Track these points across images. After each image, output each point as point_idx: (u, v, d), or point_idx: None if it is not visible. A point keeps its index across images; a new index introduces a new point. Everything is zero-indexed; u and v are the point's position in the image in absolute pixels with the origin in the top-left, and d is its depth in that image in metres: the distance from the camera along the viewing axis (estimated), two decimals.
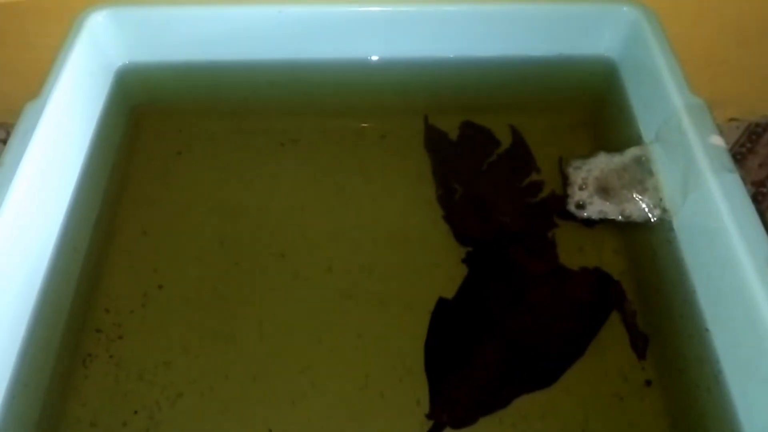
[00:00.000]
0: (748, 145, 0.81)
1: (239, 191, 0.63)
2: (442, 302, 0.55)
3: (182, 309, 0.53)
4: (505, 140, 0.66)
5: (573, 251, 0.58)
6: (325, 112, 0.70)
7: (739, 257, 0.44)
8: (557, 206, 0.62)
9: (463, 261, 0.58)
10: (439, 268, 0.57)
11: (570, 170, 0.62)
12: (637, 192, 0.59)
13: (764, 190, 0.75)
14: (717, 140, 0.52)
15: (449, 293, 0.55)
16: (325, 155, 0.66)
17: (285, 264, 0.57)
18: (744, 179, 0.55)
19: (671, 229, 0.56)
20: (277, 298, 0.54)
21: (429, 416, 0.49)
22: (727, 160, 0.51)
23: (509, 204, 0.63)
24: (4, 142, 0.55)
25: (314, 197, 0.63)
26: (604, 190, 0.63)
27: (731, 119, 0.82)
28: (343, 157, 0.65)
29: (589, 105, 0.71)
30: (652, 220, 0.58)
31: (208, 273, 0.56)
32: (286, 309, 0.54)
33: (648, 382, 0.51)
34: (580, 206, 0.60)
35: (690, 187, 0.53)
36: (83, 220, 0.58)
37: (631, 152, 0.61)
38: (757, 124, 0.82)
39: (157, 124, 0.68)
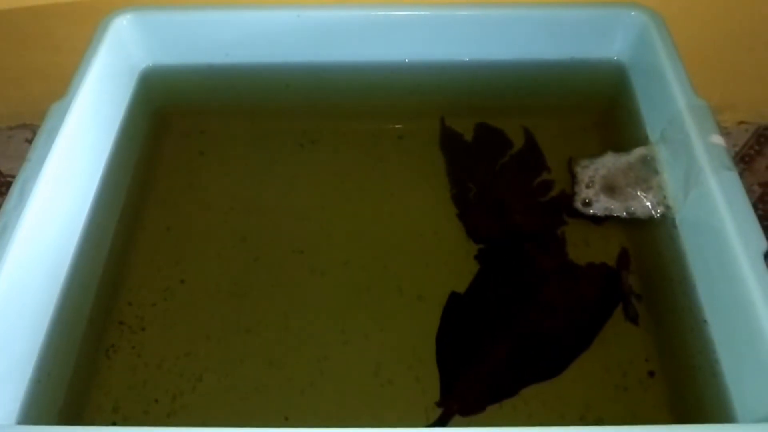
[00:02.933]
0: (756, 147, 0.83)
1: (260, 190, 0.65)
2: (454, 296, 0.57)
3: (203, 302, 0.55)
4: (518, 141, 0.68)
5: (581, 247, 0.60)
6: (343, 113, 0.72)
7: (736, 252, 0.46)
8: (566, 203, 0.63)
9: (476, 257, 0.60)
10: (452, 263, 0.59)
11: (578, 169, 0.64)
12: (642, 190, 0.60)
13: None
14: (717, 139, 0.54)
15: (461, 288, 0.57)
16: (344, 155, 0.68)
17: (303, 259, 0.59)
18: (752, 181, 0.57)
19: (674, 226, 0.58)
20: (296, 292, 0.56)
21: (439, 404, 0.50)
22: (726, 159, 0.52)
23: (521, 203, 0.64)
24: (30, 142, 0.59)
25: (333, 196, 0.64)
26: (610, 188, 0.61)
27: (741, 122, 0.85)
28: (361, 158, 0.67)
29: (599, 107, 0.73)
30: (656, 216, 0.59)
31: (228, 268, 0.57)
32: (304, 302, 0.56)
33: (651, 373, 0.52)
34: (587, 203, 0.62)
35: (691, 184, 0.54)
36: (107, 217, 0.59)
37: (638, 152, 0.63)
38: (766, 128, 0.84)
39: (180, 125, 0.71)
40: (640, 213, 0.60)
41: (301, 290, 0.57)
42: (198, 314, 0.54)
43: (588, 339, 0.54)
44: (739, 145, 0.83)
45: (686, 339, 0.52)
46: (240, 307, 0.55)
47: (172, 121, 0.71)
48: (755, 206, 0.70)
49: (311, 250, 0.60)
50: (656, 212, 0.60)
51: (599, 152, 0.65)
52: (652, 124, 0.64)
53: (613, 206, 0.61)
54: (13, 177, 0.52)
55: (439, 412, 0.49)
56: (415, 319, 0.55)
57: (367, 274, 0.58)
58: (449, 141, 0.70)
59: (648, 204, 0.60)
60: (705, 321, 0.51)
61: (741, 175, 0.56)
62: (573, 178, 0.64)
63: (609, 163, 0.63)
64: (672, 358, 0.53)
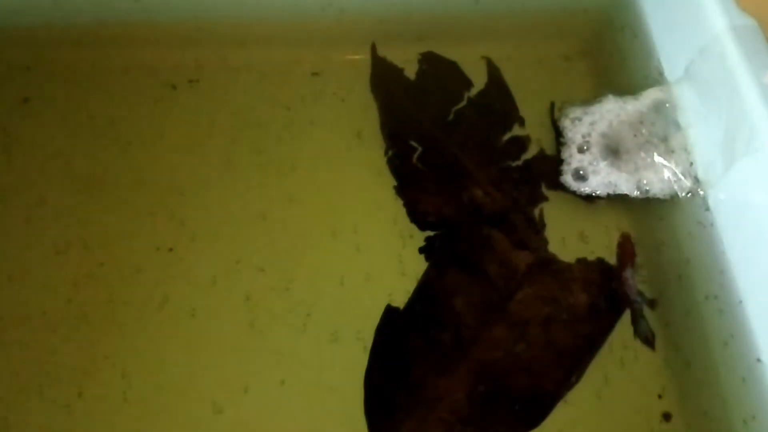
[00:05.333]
0: None
1: (109, 158, 0.56)
2: (389, 314, 0.49)
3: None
4: (478, 78, 0.59)
5: (568, 236, 0.52)
6: (236, 40, 0.61)
7: None
8: (547, 171, 0.55)
9: (421, 251, 0.52)
10: (387, 261, 0.51)
11: (566, 123, 0.54)
12: (660, 154, 0.50)
13: None
14: None
15: (400, 299, 0.49)
16: (234, 101, 0.59)
17: (172, 258, 0.52)
18: None
19: (706, 209, 0.48)
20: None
21: None
22: None
23: (483, 169, 0.55)
24: None
25: (217, 164, 0.56)
26: (614, 152, 0.52)
27: None
28: (259, 105, 0.59)
29: (590, 28, 0.62)
30: (680, 195, 0.49)
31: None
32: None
33: (666, 416, 0.46)
34: (581, 176, 0.52)
35: (738, 148, 0.45)
36: None
37: (650, 95, 0.52)
38: None
39: None
40: (656, 190, 0.49)
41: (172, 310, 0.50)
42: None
43: (578, 369, 0.47)
44: None
45: (719, 373, 0.45)
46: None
47: None
48: None
49: (181, 247, 0.52)
50: (680, 188, 0.50)
51: (594, 96, 0.54)
52: (669, 53, 0.53)
53: (619, 180, 0.50)
54: None
55: None
56: (333, 354, 0.49)
57: (255, 303, 0.50)
58: (384, 79, 0.60)
59: (668, 176, 0.50)
60: (759, 360, 0.41)
61: None
62: (558, 135, 0.54)
63: (610, 113, 0.52)
64: (695, 397, 0.46)
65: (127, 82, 0.59)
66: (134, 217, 0.53)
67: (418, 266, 0.51)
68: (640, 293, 0.49)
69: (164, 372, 0.48)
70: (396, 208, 0.53)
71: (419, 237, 0.52)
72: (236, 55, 0.62)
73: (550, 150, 0.55)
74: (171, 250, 0.52)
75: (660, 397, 0.46)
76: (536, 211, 0.53)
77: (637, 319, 0.48)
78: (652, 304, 0.49)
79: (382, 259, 0.52)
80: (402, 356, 0.48)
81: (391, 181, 0.55)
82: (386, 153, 0.56)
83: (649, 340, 0.48)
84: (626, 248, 0.51)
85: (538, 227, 0.52)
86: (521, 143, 0.56)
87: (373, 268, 0.51)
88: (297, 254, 0.52)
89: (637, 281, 0.49)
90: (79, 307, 0.50)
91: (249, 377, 0.48)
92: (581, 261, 0.51)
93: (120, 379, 0.47)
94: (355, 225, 0.53)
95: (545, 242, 0.52)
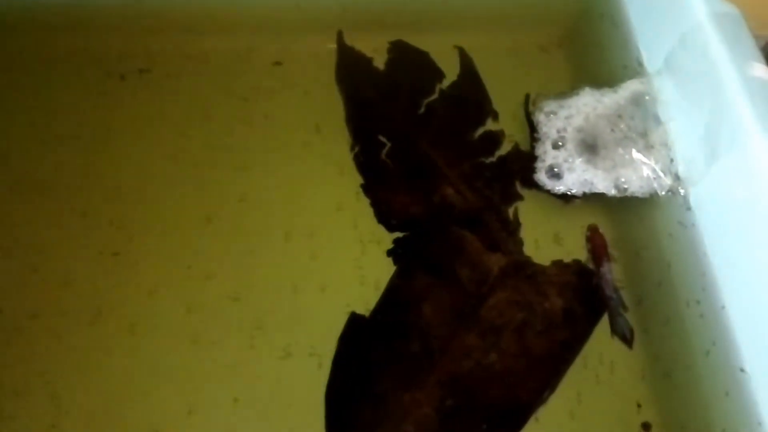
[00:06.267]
0: None
1: (47, 154, 0.53)
2: (353, 322, 0.46)
3: None
4: (451, 69, 0.58)
5: (543, 237, 0.50)
6: (190, 27, 0.60)
7: None
8: (521, 168, 0.53)
9: (389, 254, 0.50)
10: (345, 269, 0.49)
11: (540, 117, 0.52)
12: (638, 150, 0.49)
13: None
14: (761, 71, 0.43)
15: (365, 305, 0.47)
16: (187, 93, 0.57)
17: (111, 263, 0.49)
18: None
19: (687, 208, 0.47)
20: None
21: None
22: None
23: (455, 166, 0.53)
24: None
25: (167, 162, 0.53)
26: (591, 148, 0.50)
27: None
28: (217, 96, 0.57)
29: (567, 16, 0.62)
30: (660, 193, 0.49)
31: None
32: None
33: (645, 426, 0.44)
34: (555, 174, 0.50)
35: (720, 145, 0.44)
36: None
37: (629, 87, 0.52)
38: None
39: None
40: (635, 188, 0.48)
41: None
42: None
43: (554, 379, 0.45)
44: None
45: (701, 384, 0.43)
46: None
47: None
48: None
49: (126, 255, 0.49)
50: (660, 186, 0.48)
51: (571, 88, 0.54)
52: (651, 42, 0.54)
53: (595, 178, 0.49)
54: None
55: None
56: (293, 366, 0.46)
57: (199, 315, 0.47)
58: (350, 69, 0.58)
59: (647, 173, 0.48)
60: (742, 370, 0.40)
61: None
62: (533, 130, 0.52)
63: (587, 106, 0.51)
64: (675, 408, 0.44)
65: (69, 72, 0.57)
66: (72, 220, 0.50)
67: (378, 274, 0.48)
68: (617, 290, 0.47)
69: (98, 393, 0.44)
70: (357, 210, 0.51)
71: (381, 242, 0.50)
72: (191, 43, 0.59)
73: (524, 145, 0.53)
74: (115, 254, 0.49)
75: (639, 406, 0.45)
76: (510, 211, 0.51)
77: (614, 316, 0.46)
78: (626, 307, 0.47)
79: (340, 266, 0.49)
80: (366, 368, 0.45)
81: (353, 181, 0.52)
82: (352, 149, 0.54)
83: (626, 338, 0.46)
84: (596, 241, 0.49)
85: (512, 228, 0.50)
86: (495, 138, 0.54)
87: (330, 276, 0.48)
88: (247, 261, 0.49)
89: (614, 276, 0.47)
90: (9, 317, 0.47)
91: (193, 397, 0.44)
92: (557, 263, 0.49)
93: (49, 402, 0.44)
94: (312, 229, 0.50)
95: (520, 244, 0.50)
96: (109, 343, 0.46)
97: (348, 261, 0.49)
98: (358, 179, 0.52)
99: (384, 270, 0.48)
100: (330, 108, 0.55)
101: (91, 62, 0.57)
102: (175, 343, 0.46)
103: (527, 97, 0.54)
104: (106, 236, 0.49)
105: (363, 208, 0.51)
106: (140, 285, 0.47)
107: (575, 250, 0.49)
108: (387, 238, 0.50)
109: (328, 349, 0.45)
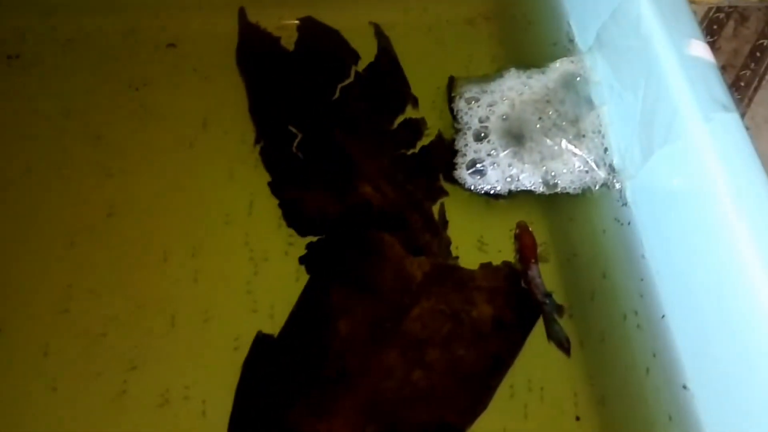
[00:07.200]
0: (708, 38, 0.66)
1: None
2: (260, 344, 0.42)
3: None
4: (367, 50, 0.54)
5: (468, 238, 0.46)
6: (69, 4, 0.54)
7: (744, 255, 0.34)
8: (446, 161, 0.48)
9: (302, 261, 0.45)
10: (233, 294, 0.45)
11: (461, 104, 0.47)
12: (569, 140, 0.45)
13: None
14: (700, 49, 0.39)
15: (274, 323, 0.42)
16: (66, 81, 0.51)
17: None
18: None
19: (623, 203, 0.44)
20: None
21: None
22: (720, 88, 0.38)
23: (373, 159, 0.49)
24: None
25: (20, 171, 0.47)
26: (517, 138, 0.46)
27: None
28: (98, 87, 0.51)
29: None
30: (594, 188, 0.45)
31: None
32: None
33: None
34: (478, 171, 0.45)
35: (657, 133, 0.40)
36: None
37: (559, 68, 0.47)
38: (719, 9, 0.68)
39: None
40: (566, 183, 0.44)
41: None
42: None
43: (485, 395, 0.42)
44: None
45: (641, 405, 0.39)
46: None
47: None
48: None
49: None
50: (594, 181, 0.44)
51: (496, 69, 0.50)
52: (582, 17, 0.50)
53: (522, 174, 0.44)
54: None
55: None
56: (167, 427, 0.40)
57: (55, 356, 0.41)
58: (254, 50, 0.54)
59: (579, 165, 0.44)
60: (685, 387, 0.37)
61: None
62: (454, 120, 0.48)
63: (512, 90, 0.46)
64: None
65: None
66: None
67: (274, 299, 0.43)
68: (549, 294, 0.44)
69: None
70: (249, 223, 0.46)
71: (279, 259, 0.45)
72: (68, 24, 0.53)
73: (448, 133, 0.49)
74: None
75: (575, 395, 0.41)
76: (435, 208, 0.47)
77: (549, 323, 0.43)
78: (560, 310, 0.44)
79: (227, 291, 0.44)
80: (275, 396, 0.41)
81: (246, 186, 0.47)
82: (257, 141, 0.49)
83: (563, 346, 0.43)
84: (525, 241, 0.45)
85: (437, 227, 0.46)
86: (416, 127, 0.50)
87: (216, 304, 0.43)
88: (117, 288, 0.43)
89: (543, 280, 0.44)
90: None
91: None
92: (485, 267, 0.45)
93: None
94: (194, 246, 0.45)
95: (446, 244, 0.46)
96: None
97: (237, 284, 0.43)
98: (252, 184, 0.47)
99: (281, 293, 0.43)
100: (228, 97, 0.50)
101: None
102: (28, 391, 0.39)
103: (451, 80, 0.50)
104: None
105: (256, 220, 0.46)
106: None
107: (504, 252, 0.45)
108: (282, 255, 0.44)
109: (213, 393, 0.40)
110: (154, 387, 0.40)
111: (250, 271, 0.44)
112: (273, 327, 0.42)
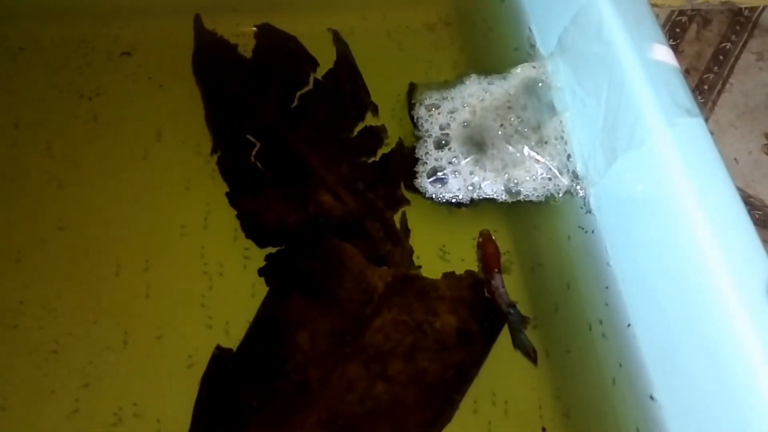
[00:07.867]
0: (671, 41, 0.67)
1: None
2: (218, 359, 0.41)
3: None
4: (325, 56, 0.53)
5: (430, 248, 0.46)
6: (17, 11, 0.53)
7: (709, 261, 0.34)
8: (407, 169, 0.47)
9: (261, 273, 0.45)
10: (187, 310, 0.44)
11: (421, 111, 0.47)
12: (531, 147, 0.44)
13: None
14: (663, 53, 0.39)
15: (230, 338, 0.41)
16: (20, 89, 0.50)
17: None
18: None
19: (587, 211, 0.43)
20: None
21: None
22: (684, 93, 0.38)
23: (333, 168, 0.48)
24: None
25: None
26: (478, 145, 0.45)
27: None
28: (51, 94, 0.50)
29: None
30: (558, 196, 0.44)
31: None
32: None
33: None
34: (439, 179, 0.45)
35: (620, 139, 0.40)
36: None
37: (520, 74, 0.47)
38: (682, 12, 0.68)
39: None
40: (528, 191, 0.44)
41: None
42: None
43: (448, 408, 0.41)
44: None
45: (608, 417, 0.39)
46: None
47: None
48: None
49: None
50: (557, 189, 0.44)
51: (456, 75, 0.50)
52: (543, 21, 0.49)
53: (484, 181, 0.44)
54: None
55: None
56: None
57: (18, 372, 0.40)
58: (211, 59, 0.53)
59: (542, 173, 0.44)
60: (652, 398, 0.37)
61: None
62: (414, 126, 0.47)
63: (473, 96, 0.46)
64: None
65: None
66: None
67: (230, 314, 0.42)
68: (513, 304, 0.43)
69: None
70: (204, 235, 0.45)
71: (231, 273, 0.44)
72: (19, 32, 0.52)
73: (409, 140, 0.49)
74: None
75: (540, 408, 0.41)
76: (396, 217, 0.46)
77: (514, 332, 0.43)
78: (524, 321, 0.43)
79: (181, 307, 0.42)
80: (234, 411, 0.40)
81: (202, 197, 0.46)
82: (214, 151, 0.48)
83: (530, 355, 0.43)
84: (487, 249, 0.44)
85: (398, 237, 0.45)
86: (376, 135, 0.49)
87: (168, 318, 0.42)
88: (65, 303, 0.42)
89: (507, 290, 0.43)
90: None
91: None
92: (448, 276, 0.45)
93: None
94: (148, 260, 0.44)
95: (408, 254, 0.45)
96: None
97: (191, 300, 0.42)
98: (209, 195, 0.46)
99: (237, 308, 0.42)
100: (183, 106, 0.49)
101: None
102: None
103: (411, 86, 0.49)
104: None
105: (212, 232, 0.45)
106: None
107: (467, 261, 0.45)
108: (239, 268, 0.43)
109: (168, 410, 0.39)
110: (108, 405, 0.39)
111: (205, 285, 0.43)
112: (228, 342, 0.40)
